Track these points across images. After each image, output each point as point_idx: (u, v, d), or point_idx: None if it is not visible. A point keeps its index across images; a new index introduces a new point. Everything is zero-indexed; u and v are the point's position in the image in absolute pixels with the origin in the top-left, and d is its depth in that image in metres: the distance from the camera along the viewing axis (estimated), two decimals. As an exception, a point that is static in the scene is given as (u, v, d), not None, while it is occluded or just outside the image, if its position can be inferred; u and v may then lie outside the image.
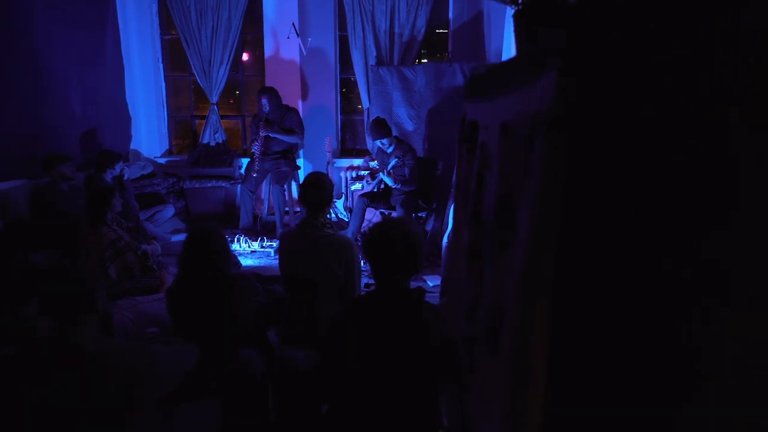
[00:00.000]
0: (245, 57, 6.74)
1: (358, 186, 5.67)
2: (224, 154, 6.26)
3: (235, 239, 4.95)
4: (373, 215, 5.17)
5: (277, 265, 2.88)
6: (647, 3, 0.60)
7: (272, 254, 4.88)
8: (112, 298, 2.83)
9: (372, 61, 5.97)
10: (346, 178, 5.95)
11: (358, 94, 6.33)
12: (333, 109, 6.37)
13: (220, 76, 6.25)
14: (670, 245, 0.63)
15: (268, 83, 6.01)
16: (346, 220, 5.60)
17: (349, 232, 4.85)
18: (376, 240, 1.81)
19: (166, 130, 6.73)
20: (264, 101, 5.12)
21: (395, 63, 5.93)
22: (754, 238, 0.61)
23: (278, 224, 5.30)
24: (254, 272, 3.69)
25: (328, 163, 5.72)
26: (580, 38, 0.57)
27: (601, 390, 0.64)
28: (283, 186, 5.25)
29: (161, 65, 6.53)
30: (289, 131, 5.27)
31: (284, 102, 5.36)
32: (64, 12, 5.04)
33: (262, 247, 4.99)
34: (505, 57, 5.29)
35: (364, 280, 3.52)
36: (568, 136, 0.58)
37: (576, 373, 0.63)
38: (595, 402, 0.64)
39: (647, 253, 0.63)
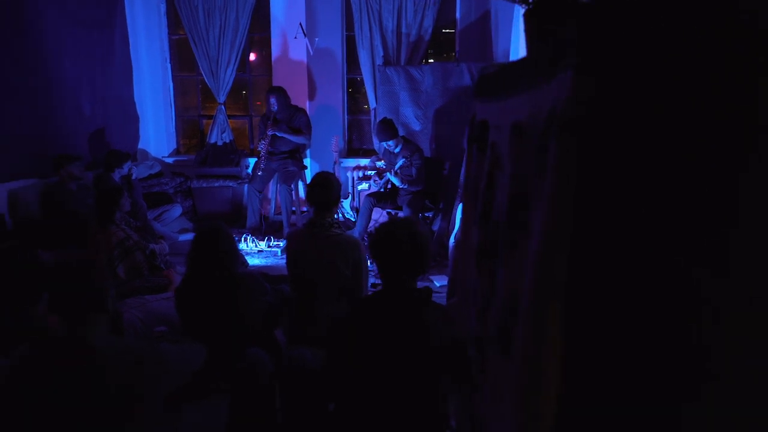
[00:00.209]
0: (252, 57, 6.76)
1: (364, 186, 5.67)
2: (231, 154, 6.28)
3: (242, 239, 4.96)
4: (380, 215, 5.16)
5: (284, 264, 2.88)
6: (659, 2, 0.60)
7: (279, 254, 4.88)
8: (120, 296, 2.85)
9: (379, 61, 5.97)
10: (353, 178, 5.95)
11: (365, 93, 6.33)
12: (340, 109, 6.37)
13: (227, 76, 6.27)
14: (681, 245, 0.62)
15: (275, 83, 6.02)
16: (353, 220, 5.60)
17: (355, 232, 4.85)
18: (383, 240, 1.81)
19: (174, 130, 6.76)
20: (273, 100, 5.14)
21: (402, 63, 5.93)
22: (764, 237, 0.61)
23: (285, 224, 5.30)
24: (262, 272, 3.70)
25: (335, 162, 5.73)
26: (595, 37, 0.57)
27: (613, 390, 0.63)
28: (290, 185, 5.26)
29: (169, 65, 6.56)
30: (296, 131, 5.28)
31: (291, 102, 5.37)
32: (74, 13, 5.08)
33: (269, 246, 5.00)
34: (512, 57, 5.27)
35: (371, 280, 3.52)
36: (583, 136, 0.58)
37: (589, 373, 0.62)
38: (608, 402, 0.63)
39: (659, 253, 0.62)
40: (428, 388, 1.72)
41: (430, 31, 5.94)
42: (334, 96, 6.31)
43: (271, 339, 2.60)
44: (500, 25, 5.70)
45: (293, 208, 5.39)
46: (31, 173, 4.50)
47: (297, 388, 2.34)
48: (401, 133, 5.18)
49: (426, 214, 5.16)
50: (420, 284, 1.85)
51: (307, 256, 2.57)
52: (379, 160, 5.60)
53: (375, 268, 1.87)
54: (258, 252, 4.94)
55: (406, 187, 4.86)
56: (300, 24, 5.91)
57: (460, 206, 3.88)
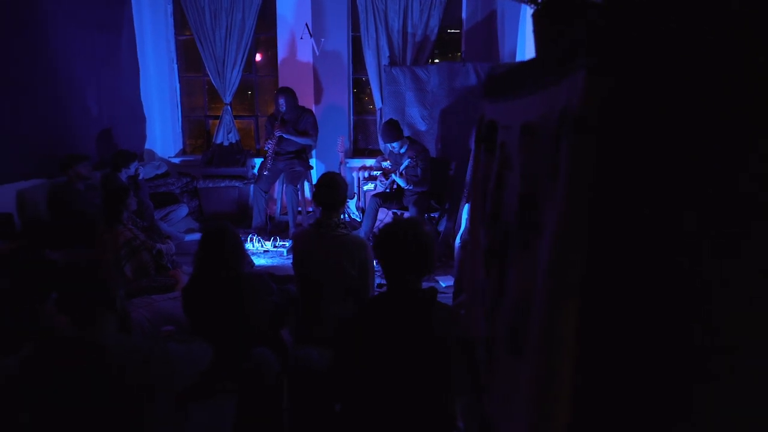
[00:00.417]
0: (258, 57, 6.78)
1: (370, 186, 5.67)
2: (237, 154, 6.30)
3: (248, 239, 4.98)
4: (385, 215, 5.17)
5: (290, 264, 2.89)
6: (670, 1, 0.59)
7: (285, 254, 4.89)
8: (127, 296, 2.86)
9: (385, 61, 5.97)
10: (359, 178, 5.96)
11: (370, 94, 6.33)
12: (346, 109, 6.38)
13: (233, 77, 6.29)
14: (695, 245, 0.62)
15: (281, 84, 6.04)
16: (359, 220, 5.60)
17: (361, 232, 4.85)
18: (388, 240, 1.81)
19: (180, 130, 6.79)
20: (281, 101, 5.15)
21: (408, 63, 5.93)
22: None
23: (291, 224, 5.31)
24: (268, 272, 3.71)
25: (341, 163, 5.73)
26: (608, 37, 0.57)
27: (627, 390, 0.63)
28: (296, 186, 5.27)
29: (175, 66, 6.59)
30: (303, 133, 5.29)
31: (298, 103, 5.38)
32: (82, 15, 5.11)
33: (275, 246, 5.01)
34: (519, 57, 5.26)
35: (377, 281, 3.52)
36: (597, 136, 0.57)
37: (603, 373, 0.62)
38: (621, 402, 0.63)
39: (672, 253, 0.62)
40: (435, 389, 1.72)
41: (436, 31, 5.94)
42: (340, 96, 6.32)
43: (278, 339, 2.60)
44: (506, 25, 5.69)
45: (299, 208, 5.40)
46: (39, 173, 4.53)
47: (303, 388, 2.34)
48: (407, 133, 5.18)
49: (432, 215, 5.16)
50: (425, 284, 1.85)
51: (313, 257, 2.58)
52: (385, 160, 5.60)
53: (380, 268, 1.87)
54: (264, 252, 4.95)
55: (411, 188, 4.86)
56: (306, 24, 5.93)
57: (466, 206, 3.88)
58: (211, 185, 5.97)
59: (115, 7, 5.72)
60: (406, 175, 4.85)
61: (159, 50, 6.46)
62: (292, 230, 5.28)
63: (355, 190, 5.95)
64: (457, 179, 5.11)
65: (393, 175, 4.95)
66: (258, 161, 5.93)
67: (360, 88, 6.75)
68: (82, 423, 1.54)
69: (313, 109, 5.79)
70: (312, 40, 5.95)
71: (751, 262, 0.61)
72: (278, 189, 5.70)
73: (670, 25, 0.59)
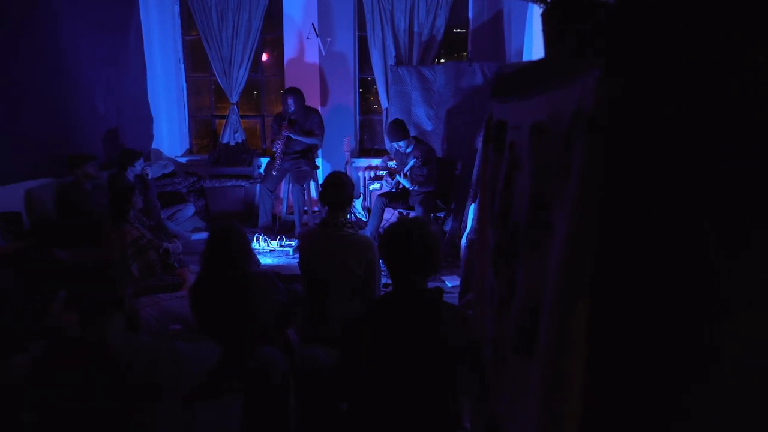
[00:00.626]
0: (265, 57, 6.79)
1: (376, 186, 5.67)
2: (244, 154, 6.31)
3: (255, 238, 4.99)
4: (391, 215, 5.17)
5: (297, 264, 2.89)
6: (683, 1, 0.59)
7: (291, 253, 4.90)
8: (134, 295, 2.87)
9: (391, 61, 5.97)
10: (365, 178, 5.96)
11: (376, 93, 6.33)
12: (352, 109, 6.39)
13: (240, 77, 6.31)
14: (708, 246, 0.62)
15: (287, 84, 6.05)
16: (364, 219, 5.61)
17: (367, 232, 4.85)
18: (394, 240, 1.81)
19: (187, 130, 6.81)
20: (290, 101, 5.16)
21: (414, 63, 5.93)
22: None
23: (297, 223, 5.32)
24: (274, 271, 3.71)
25: (347, 162, 5.74)
26: (621, 37, 0.57)
27: (638, 391, 0.63)
28: (302, 185, 5.27)
29: (182, 66, 6.61)
30: (309, 133, 5.30)
31: (305, 102, 5.40)
32: (90, 16, 5.14)
33: (281, 246, 5.02)
34: (526, 57, 5.24)
35: (383, 280, 3.53)
36: (609, 136, 0.57)
37: (613, 373, 0.62)
38: (632, 403, 0.63)
39: (684, 253, 0.62)
40: (441, 388, 1.72)
41: (442, 30, 5.94)
42: (346, 96, 6.32)
43: (284, 338, 2.61)
44: (513, 25, 5.68)
45: (305, 208, 5.41)
46: (47, 173, 4.56)
47: (310, 388, 2.34)
48: (413, 133, 5.18)
49: (437, 214, 5.15)
50: (431, 284, 1.85)
51: (319, 256, 2.58)
52: (391, 160, 5.60)
53: (386, 268, 1.87)
54: (270, 251, 4.96)
55: (416, 188, 4.85)
56: (312, 24, 5.93)
57: (472, 206, 3.88)
58: (217, 185, 5.99)
59: (122, 7, 5.75)
60: (412, 175, 4.84)
61: (166, 50, 6.48)
62: (298, 230, 5.29)
63: (361, 190, 5.95)
64: (463, 179, 5.10)
65: (398, 175, 4.96)
66: (264, 161, 5.95)
67: (366, 87, 6.76)
68: (90, 421, 1.55)
69: (320, 109, 5.80)
70: (318, 39, 5.96)
71: (762, 262, 0.61)
72: (284, 188, 5.71)
73: (682, 25, 0.59)
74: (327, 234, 2.59)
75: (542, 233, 0.77)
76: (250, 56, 6.26)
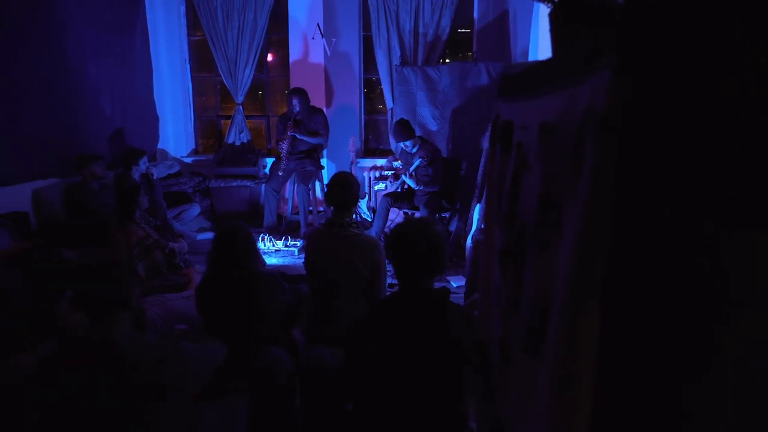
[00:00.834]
0: (270, 57, 6.80)
1: (381, 186, 5.68)
2: (249, 154, 6.33)
3: (260, 238, 5.00)
4: (396, 215, 5.17)
5: (301, 264, 2.89)
6: (696, 2, 0.59)
7: (296, 253, 4.91)
8: (140, 295, 2.88)
9: (396, 61, 5.97)
10: (370, 178, 5.97)
11: (381, 93, 6.34)
12: (357, 109, 6.39)
13: (245, 77, 6.32)
14: (715, 246, 0.61)
15: (292, 84, 6.06)
16: (369, 220, 5.61)
17: (372, 232, 4.86)
18: (400, 240, 1.81)
19: (193, 130, 6.84)
20: (295, 102, 5.17)
21: (419, 63, 5.93)
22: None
23: (302, 223, 5.33)
24: (280, 271, 3.72)
25: (352, 163, 5.74)
26: (633, 37, 0.56)
27: (649, 392, 0.63)
28: (307, 185, 5.28)
29: (188, 66, 6.63)
30: (313, 133, 5.31)
31: (310, 103, 5.41)
32: (97, 16, 5.17)
33: (286, 246, 5.03)
34: (531, 57, 5.23)
35: (388, 281, 3.53)
36: (621, 137, 0.57)
37: (624, 374, 0.62)
38: (643, 403, 0.63)
39: (693, 254, 0.62)
40: (446, 389, 1.72)
41: (447, 30, 5.93)
42: (351, 96, 6.33)
43: (289, 338, 2.61)
44: (519, 25, 5.67)
45: (310, 208, 5.42)
46: (55, 173, 4.58)
47: (315, 388, 2.35)
48: (418, 133, 5.18)
49: (443, 215, 5.15)
50: (437, 285, 1.85)
51: (325, 256, 2.58)
52: (396, 160, 5.60)
53: (392, 268, 1.87)
54: (275, 251, 4.97)
55: (421, 188, 4.85)
56: (318, 25, 5.94)
57: (477, 207, 3.87)
58: (222, 185, 6.00)
59: (129, 8, 5.78)
60: (417, 175, 4.84)
61: (172, 50, 6.51)
62: (303, 230, 5.30)
63: (366, 190, 5.96)
64: (468, 179, 5.10)
65: (403, 175, 4.96)
66: (269, 161, 5.96)
67: (371, 87, 6.76)
68: (96, 421, 1.56)
69: (324, 109, 5.81)
70: (323, 40, 5.97)
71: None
72: (289, 188, 5.72)
73: (694, 24, 0.58)
74: (333, 234, 2.59)
75: (551, 233, 0.77)
76: (255, 56, 6.28)
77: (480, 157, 4.05)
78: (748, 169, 0.60)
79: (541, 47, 4.82)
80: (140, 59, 5.98)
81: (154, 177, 4.92)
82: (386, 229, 4.89)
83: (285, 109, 5.47)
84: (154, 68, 6.27)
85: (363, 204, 5.89)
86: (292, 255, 4.92)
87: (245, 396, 2.19)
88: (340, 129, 6.01)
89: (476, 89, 5.44)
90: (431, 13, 5.89)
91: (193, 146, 6.86)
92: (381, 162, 6.10)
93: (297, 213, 5.55)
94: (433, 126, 5.69)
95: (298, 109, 5.18)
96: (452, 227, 5.14)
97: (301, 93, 5.22)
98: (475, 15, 6.10)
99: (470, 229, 3.90)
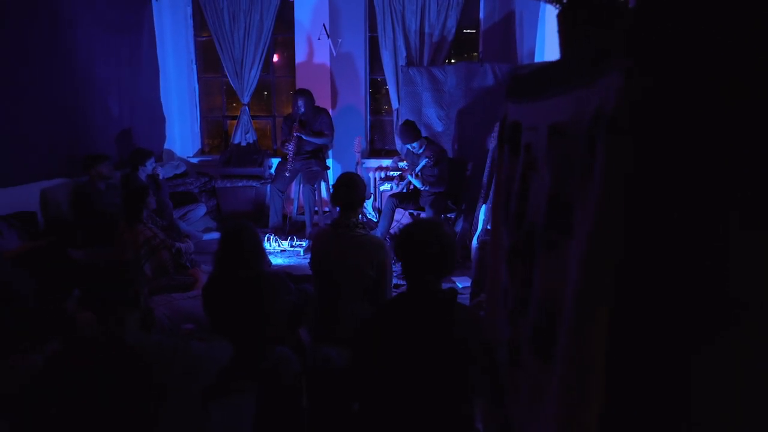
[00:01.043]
0: (276, 58, 6.82)
1: (387, 186, 5.68)
2: (255, 154, 6.34)
3: (265, 238, 5.01)
4: (402, 216, 5.17)
5: (307, 264, 2.89)
6: (708, 2, 0.59)
7: (302, 253, 4.92)
8: (148, 294, 2.89)
9: (402, 61, 5.97)
10: (375, 179, 5.97)
11: (386, 94, 6.34)
12: (362, 109, 6.39)
13: (251, 77, 6.34)
14: (727, 249, 0.61)
15: (298, 84, 6.07)
16: (375, 220, 5.61)
17: (378, 233, 4.86)
18: (410, 241, 1.81)
19: (199, 130, 6.86)
20: (300, 102, 5.18)
21: (425, 63, 5.92)
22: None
23: (308, 224, 5.34)
24: (285, 271, 3.73)
25: (357, 163, 5.75)
26: (645, 38, 0.56)
27: (658, 393, 0.63)
28: (313, 185, 5.29)
29: (194, 66, 6.66)
30: (318, 133, 5.32)
31: (315, 103, 5.41)
32: (104, 17, 5.20)
33: (292, 246, 5.04)
34: (538, 57, 5.22)
35: (393, 281, 3.53)
36: (633, 138, 0.57)
37: (634, 376, 0.62)
38: (652, 406, 0.62)
39: (704, 257, 0.61)
40: (453, 390, 1.72)
41: (453, 31, 5.93)
42: (357, 97, 6.33)
43: (296, 338, 2.61)
44: (525, 25, 5.66)
45: (316, 208, 5.43)
46: (62, 173, 4.61)
47: (322, 388, 2.35)
48: (424, 134, 5.18)
49: (448, 215, 5.15)
50: (443, 285, 1.85)
51: (331, 256, 2.59)
52: (402, 160, 5.60)
53: (397, 268, 1.87)
54: (281, 251, 4.98)
55: (427, 188, 4.85)
56: (323, 25, 5.95)
57: (483, 207, 3.87)
58: (228, 185, 6.02)
59: (136, 9, 5.81)
60: (423, 175, 4.84)
61: (178, 51, 6.53)
62: (308, 230, 5.31)
63: (372, 191, 5.96)
64: (473, 180, 5.09)
65: (408, 176, 4.95)
66: (275, 161, 5.97)
67: (376, 88, 6.76)
68: (104, 420, 1.56)
69: (330, 110, 5.81)
70: (329, 40, 5.97)
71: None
72: (295, 189, 5.73)
73: (703, 27, 0.58)
74: (339, 234, 2.59)
75: (561, 234, 0.77)
76: (261, 57, 6.29)
77: (485, 157, 4.04)
78: (756, 171, 0.60)
79: (547, 48, 4.81)
80: (147, 60, 6.01)
81: (161, 177, 4.94)
82: (392, 230, 4.89)
83: (291, 110, 5.48)
84: (160, 69, 6.29)
85: (368, 204, 5.90)
86: (297, 255, 4.93)
87: (252, 395, 2.19)
88: (345, 129, 6.01)
89: (482, 90, 5.43)
90: (437, 13, 5.89)
91: (199, 146, 6.88)
92: (386, 162, 6.10)
93: (302, 213, 5.56)
94: (438, 126, 5.69)
95: (303, 110, 5.19)
96: (458, 228, 5.14)
97: (306, 94, 5.24)
98: (481, 15, 6.10)
99: (476, 230, 3.90)
